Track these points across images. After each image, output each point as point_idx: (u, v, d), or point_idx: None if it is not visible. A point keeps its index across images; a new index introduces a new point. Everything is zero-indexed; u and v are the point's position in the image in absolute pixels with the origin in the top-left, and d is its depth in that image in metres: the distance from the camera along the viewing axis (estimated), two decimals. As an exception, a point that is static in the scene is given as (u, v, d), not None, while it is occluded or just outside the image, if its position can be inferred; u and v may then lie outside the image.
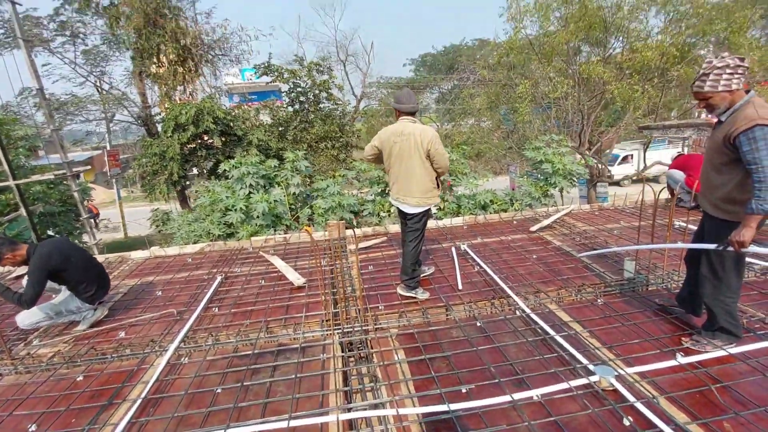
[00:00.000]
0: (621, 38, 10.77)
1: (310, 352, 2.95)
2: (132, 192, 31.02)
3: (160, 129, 15.35)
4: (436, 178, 3.55)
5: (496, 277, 3.82)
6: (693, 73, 9.53)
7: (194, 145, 13.84)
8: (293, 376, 2.62)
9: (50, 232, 11.43)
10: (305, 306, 3.64)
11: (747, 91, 2.28)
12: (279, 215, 6.05)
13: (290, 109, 17.56)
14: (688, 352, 2.58)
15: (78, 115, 14.57)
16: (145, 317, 3.63)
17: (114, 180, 21.10)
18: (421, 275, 3.91)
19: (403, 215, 3.71)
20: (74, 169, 7.45)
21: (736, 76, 2.23)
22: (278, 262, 4.63)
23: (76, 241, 11.82)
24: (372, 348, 2.92)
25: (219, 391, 2.55)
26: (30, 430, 2.32)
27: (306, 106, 17.39)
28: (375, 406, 2.31)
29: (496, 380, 2.43)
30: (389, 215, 6.77)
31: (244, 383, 2.59)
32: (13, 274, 4.95)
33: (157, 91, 15.89)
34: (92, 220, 12.72)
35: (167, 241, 9.81)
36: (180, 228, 7.19)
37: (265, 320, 3.42)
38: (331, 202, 6.28)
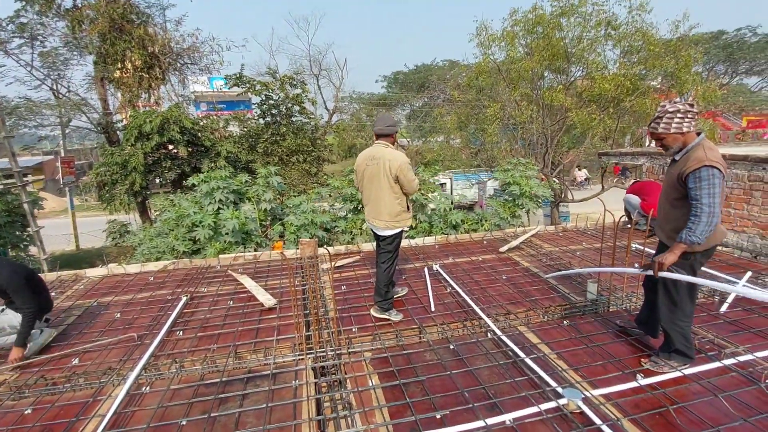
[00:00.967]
0: (581, 68, 11.49)
1: (281, 378, 2.86)
2: (86, 201, 29.30)
3: (121, 137, 14.69)
4: (407, 201, 3.60)
5: (467, 299, 3.89)
6: (644, 104, 10.31)
7: (158, 155, 13.33)
8: (264, 405, 2.54)
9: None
10: (276, 329, 3.55)
11: (698, 134, 2.49)
12: (249, 232, 5.91)
13: (261, 121, 17.35)
14: (647, 373, 2.72)
15: (31, 120, 13.69)
16: (102, 342, 3.41)
17: (67, 188, 19.89)
18: (395, 296, 3.93)
19: (376, 236, 3.74)
20: (25, 179, 6.96)
21: (687, 119, 2.44)
22: (248, 282, 4.50)
23: (22, 254, 10.98)
24: (346, 373, 2.88)
25: (184, 423, 2.43)
26: (-33, 473, 2.10)
27: (278, 119, 17.24)
28: (349, 436, 2.27)
29: (470, 405, 2.45)
30: (362, 233, 6.76)
31: (211, 414, 2.48)
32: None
33: (120, 98, 15.25)
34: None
35: (125, 255, 9.31)
36: (141, 243, 6.86)
37: (233, 344, 3.31)
38: (303, 219, 6.21)
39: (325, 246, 5.92)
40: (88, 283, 4.84)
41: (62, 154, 19.62)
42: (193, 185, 6.31)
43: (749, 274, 4.20)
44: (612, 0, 11.37)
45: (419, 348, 3.18)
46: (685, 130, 2.45)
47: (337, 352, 3.12)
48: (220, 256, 5.35)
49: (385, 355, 3.08)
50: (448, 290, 4.22)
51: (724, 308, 3.61)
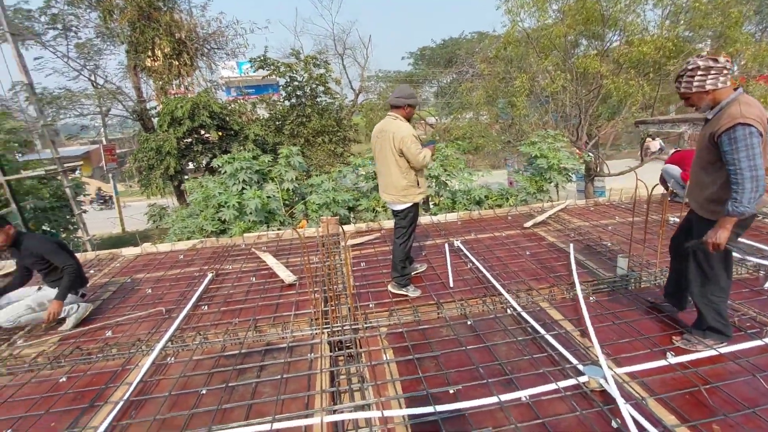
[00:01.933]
0: (618, 32, 10.66)
1: (297, 351, 2.91)
2: (130, 187, 30.88)
3: (155, 123, 15.23)
4: (416, 176, 3.46)
5: (488, 275, 3.78)
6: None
7: (191, 140, 13.75)
8: (279, 377, 2.59)
9: (45, 228, 11.37)
10: (295, 304, 3.60)
11: (736, 89, 2.22)
12: (272, 211, 6.00)
13: (287, 103, 17.44)
14: (678, 351, 2.55)
15: (72, 110, 14.41)
16: (133, 316, 3.58)
17: (111, 175, 21.00)
18: (413, 273, 3.88)
19: (392, 211, 3.68)
20: (66, 165, 7.37)
21: (711, 75, 2.18)
22: (270, 259, 4.58)
23: (72, 237, 11.76)
24: (361, 347, 2.89)
25: (204, 392, 2.52)
26: (10, 432, 2.29)
27: (303, 100, 17.27)
28: (360, 408, 2.28)
29: (485, 381, 2.39)
30: (384, 211, 6.72)
31: (230, 384, 2.56)
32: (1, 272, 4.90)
33: (152, 85, 15.74)
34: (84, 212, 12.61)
35: (163, 237, 9.74)
36: (174, 224, 7.13)
37: (254, 319, 3.39)
38: (325, 198, 6.22)
39: (345, 224, 5.93)
40: (123, 262, 5.10)
41: (104, 143, 20.64)
42: (219, 167, 6.44)
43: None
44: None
45: (436, 324, 3.13)
46: (709, 87, 2.19)
47: (353, 327, 3.13)
48: (245, 235, 5.48)
49: (401, 330, 3.06)
50: (469, 266, 4.12)
51: (770, 284, 3.32)
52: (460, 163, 6.74)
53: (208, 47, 16.99)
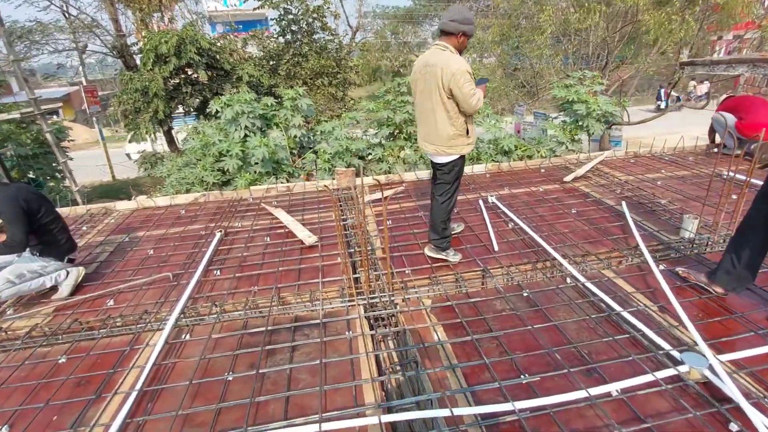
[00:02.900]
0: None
1: (332, 328, 2.53)
2: (116, 131, 29.42)
3: (138, 61, 13.93)
4: (466, 122, 2.89)
5: (535, 236, 3.36)
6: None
7: (178, 81, 12.66)
8: (317, 361, 2.22)
9: (31, 176, 10.66)
10: (320, 270, 3.18)
11: None
12: (279, 161, 5.42)
13: (281, 40, 15.99)
14: (783, 333, 2.19)
15: (45, 45, 13.04)
16: (137, 282, 3.15)
17: (95, 118, 19.75)
18: (452, 233, 3.43)
19: (432, 164, 3.16)
20: (43, 107, 6.57)
21: None
22: (284, 216, 4.10)
23: (61, 186, 11.09)
24: (404, 324, 2.51)
25: (230, 378, 2.15)
26: None
27: (298, 36, 15.81)
28: (420, 404, 1.93)
29: (564, 370, 2.04)
30: (399, 161, 6.15)
31: (260, 370, 2.19)
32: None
33: (131, 17, 14.20)
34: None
35: (159, 188, 9.15)
36: (169, 173, 6.54)
37: (276, 287, 2.98)
38: (337, 147, 5.62)
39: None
40: (118, 217, 4.60)
41: (84, 83, 19.15)
42: (216, 112, 5.73)
43: None
44: None
45: (486, 296, 2.74)
46: None
47: (392, 298, 2.73)
48: (252, 188, 4.94)
49: (449, 303, 2.67)
50: (510, 226, 3.69)
51: None
52: (486, 109, 6.07)
53: (191, -28, 15.19)
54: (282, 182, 5.35)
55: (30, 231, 2.85)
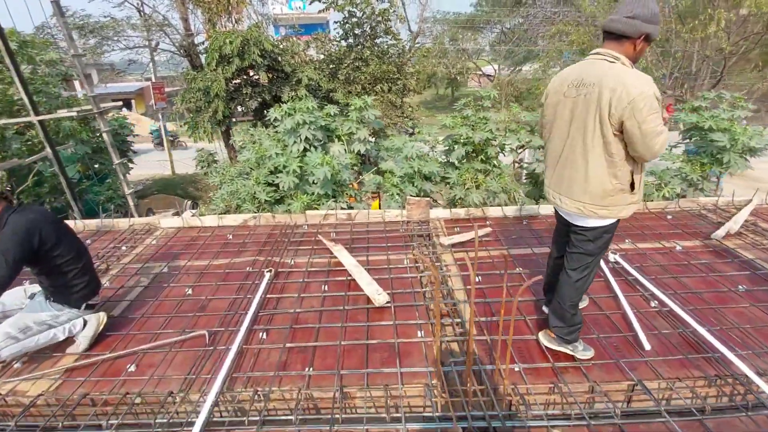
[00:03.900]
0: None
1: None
2: (181, 127, 30.80)
3: (203, 60, 14.06)
4: (633, 171, 1.96)
5: (700, 328, 2.35)
6: None
7: (239, 82, 12.56)
8: None
9: (96, 167, 10.81)
10: (396, 350, 2.38)
11: None
12: (341, 182, 4.72)
13: (343, 43, 15.59)
14: None
15: (117, 42, 13.45)
16: (166, 342, 2.51)
17: (160, 114, 20.53)
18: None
19: (562, 219, 2.25)
20: (103, 105, 6.37)
21: None
22: (346, 258, 3.35)
23: (117, 183, 11.23)
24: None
25: None
26: None
27: (361, 40, 15.33)
28: None
29: None
30: (477, 188, 5.25)
31: None
32: None
33: (200, 17, 14.38)
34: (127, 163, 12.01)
35: (210, 191, 8.86)
36: (222, 182, 6.08)
37: (337, 373, 2.21)
38: (407, 168, 4.83)
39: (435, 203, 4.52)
40: (161, 237, 4.08)
41: (153, 80, 19.95)
42: (276, 120, 5.15)
43: None
44: None
45: (642, 418, 1.80)
46: None
47: (506, 421, 1.87)
48: (308, 212, 4.26)
49: (598, 446, 1.76)
50: (653, 305, 2.68)
51: None
52: None
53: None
54: (342, 206, 4.64)
55: (41, 272, 2.28)
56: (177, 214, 8.73)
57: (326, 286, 3.09)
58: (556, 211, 2.31)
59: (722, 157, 4.52)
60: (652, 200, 4.52)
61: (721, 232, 3.45)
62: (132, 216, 7.55)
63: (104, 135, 6.15)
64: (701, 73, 9.21)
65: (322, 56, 16.30)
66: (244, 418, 1.96)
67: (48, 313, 2.34)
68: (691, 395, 2.00)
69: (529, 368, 2.21)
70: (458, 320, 2.59)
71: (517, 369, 2.20)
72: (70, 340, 2.49)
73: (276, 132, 5.44)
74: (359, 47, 15.25)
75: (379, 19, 14.82)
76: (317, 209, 4.55)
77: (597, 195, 1.95)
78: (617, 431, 1.83)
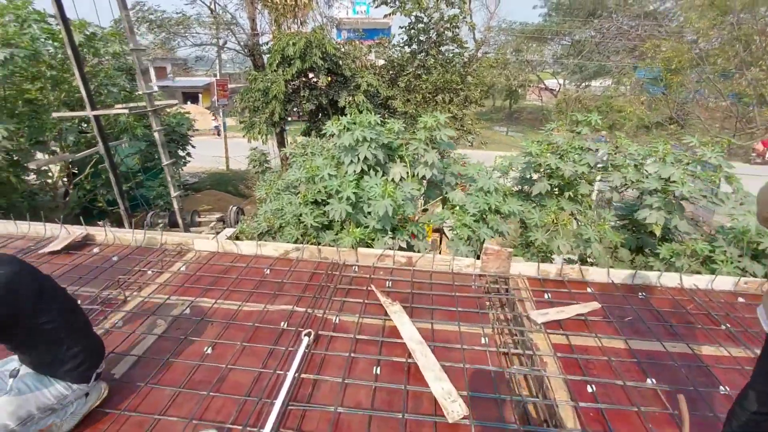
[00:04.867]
0: None
1: None
2: (240, 122, 31.80)
3: (266, 61, 14.03)
4: None
5: None
6: None
7: (298, 84, 12.30)
8: None
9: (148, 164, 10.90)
10: None
11: None
12: (405, 217, 3.97)
13: (407, 49, 14.97)
14: None
15: (185, 38, 13.71)
16: (177, 421, 1.87)
17: (221, 110, 21.05)
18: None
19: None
20: (158, 103, 6.12)
21: None
22: (406, 329, 2.59)
23: (181, 170, 11.28)
24: None
25: None
26: None
27: (425, 47, 14.63)
28: None
29: None
30: (566, 231, 4.29)
31: None
32: None
33: (267, 17, 14.38)
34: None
35: (258, 200, 8.46)
36: (267, 194, 5.55)
37: None
38: (482, 204, 3.99)
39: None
40: (192, 262, 3.55)
41: (218, 77, 20.49)
42: (332, 135, 4.51)
43: None
44: None
45: None
46: None
47: None
48: (360, 250, 3.55)
49: None
50: None
51: None
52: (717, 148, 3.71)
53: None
54: (402, 243, 3.89)
55: (14, 346, 1.71)
56: (221, 220, 8.50)
57: (379, 369, 2.34)
58: None
59: None
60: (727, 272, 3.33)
61: None
62: (176, 216, 7.31)
63: (155, 135, 5.87)
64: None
65: (382, 61, 15.79)
66: None
67: (53, 392, 1.75)
68: None
69: None
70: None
71: None
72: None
73: (328, 149, 4.81)
74: (423, 54, 14.56)
75: (447, 25, 14.06)
76: (371, 246, 3.84)
77: None
78: None
